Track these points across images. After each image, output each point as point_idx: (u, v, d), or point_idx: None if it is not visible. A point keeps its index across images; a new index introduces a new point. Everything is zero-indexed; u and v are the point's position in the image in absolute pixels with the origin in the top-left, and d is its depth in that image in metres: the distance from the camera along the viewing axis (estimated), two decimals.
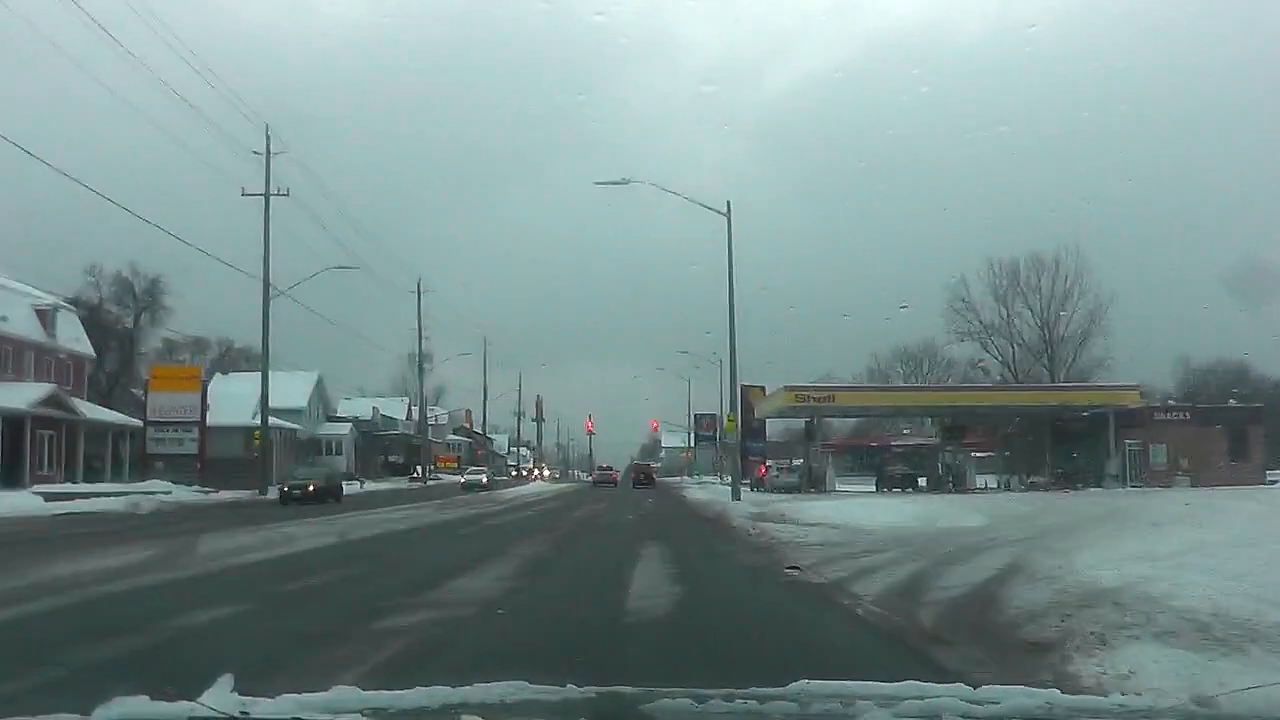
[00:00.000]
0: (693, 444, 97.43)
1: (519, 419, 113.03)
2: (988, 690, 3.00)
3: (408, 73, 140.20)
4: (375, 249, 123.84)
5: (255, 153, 41.96)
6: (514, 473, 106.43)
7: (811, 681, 3.02)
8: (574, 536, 20.39)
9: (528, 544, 17.44)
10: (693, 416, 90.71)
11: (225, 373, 66.99)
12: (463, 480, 62.46)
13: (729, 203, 32.45)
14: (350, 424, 75.88)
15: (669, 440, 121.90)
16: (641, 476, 69.18)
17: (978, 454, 59.84)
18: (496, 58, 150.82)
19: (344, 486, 41.53)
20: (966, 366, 74.72)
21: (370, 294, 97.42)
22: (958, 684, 3.15)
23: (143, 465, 46.21)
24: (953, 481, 52.74)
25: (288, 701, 2.71)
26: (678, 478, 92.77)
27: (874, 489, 52.24)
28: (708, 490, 51.62)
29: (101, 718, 2.50)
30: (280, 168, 42.78)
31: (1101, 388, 52.53)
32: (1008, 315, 72.49)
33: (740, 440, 35.00)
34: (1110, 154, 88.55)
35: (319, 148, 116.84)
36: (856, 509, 25.20)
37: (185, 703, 2.56)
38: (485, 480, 60.27)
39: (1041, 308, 71.83)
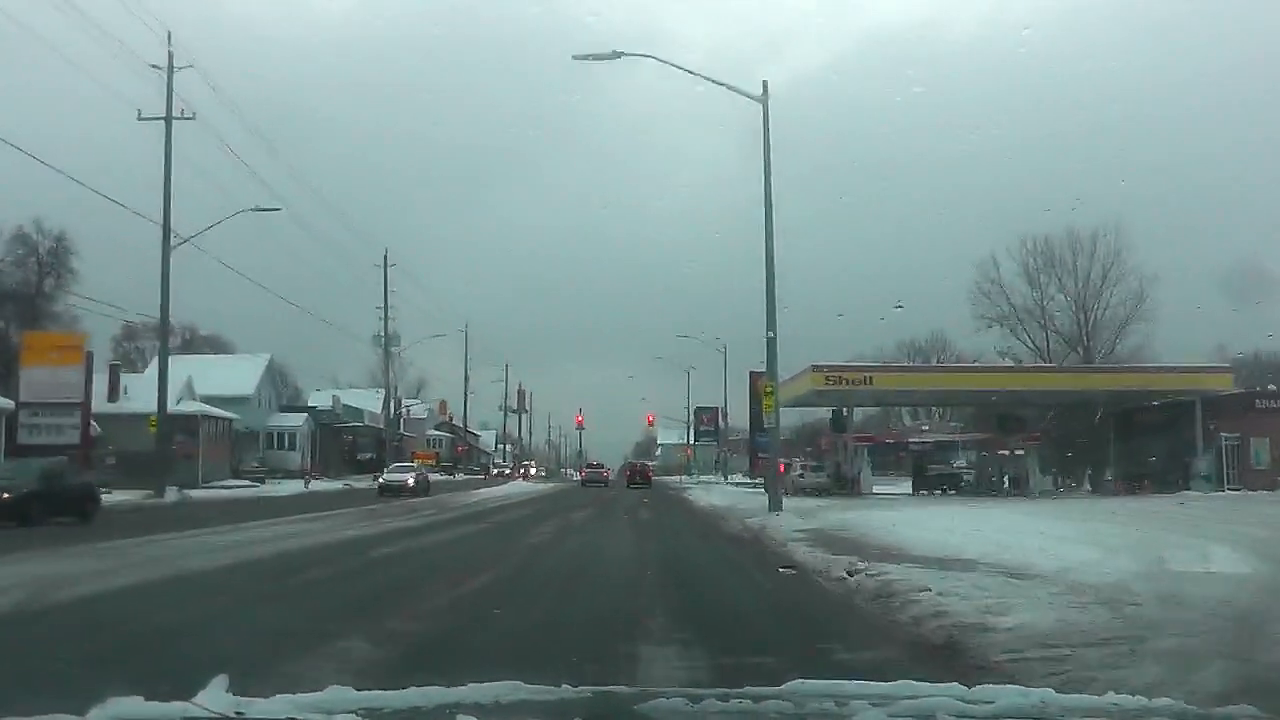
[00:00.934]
0: (692, 440, 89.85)
1: (504, 414, 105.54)
2: (982, 690, 2.93)
3: (400, 70, 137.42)
4: (370, 245, 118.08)
5: (154, 66, 33.65)
6: (493, 471, 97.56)
7: (806, 681, 2.94)
8: (500, 601, 10.16)
9: (361, 635, 7.72)
10: (692, 410, 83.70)
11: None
12: (380, 481, 45.35)
13: (765, 83, 24.98)
14: (306, 415, 67.22)
15: (665, 437, 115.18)
16: (637, 476, 62.78)
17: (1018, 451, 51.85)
18: (489, 56, 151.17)
19: (99, 494, 26.80)
20: (980, 358, 67.17)
21: (364, 291, 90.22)
22: (952, 684, 3.03)
23: (14, 457, 37.02)
24: (1009, 484, 44.63)
25: (282, 702, 2.69)
26: (676, 477, 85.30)
27: (910, 491, 45.30)
28: (717, 493, 43.46)
29: (97, 718, 2.45)
30: (278, 170, 34.57)
31: (1185, 370, 43.93)
32: (1041, 298, 65.28)
33: (774, 432, 26.23)
34: (1109, 153, 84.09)
35: (312, 145, 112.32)
36: (959, 524, 16.99)
37: (180, 703, 2.52)
38: (411, 482, 43.31)
39: (1078, 289, 64.58)
